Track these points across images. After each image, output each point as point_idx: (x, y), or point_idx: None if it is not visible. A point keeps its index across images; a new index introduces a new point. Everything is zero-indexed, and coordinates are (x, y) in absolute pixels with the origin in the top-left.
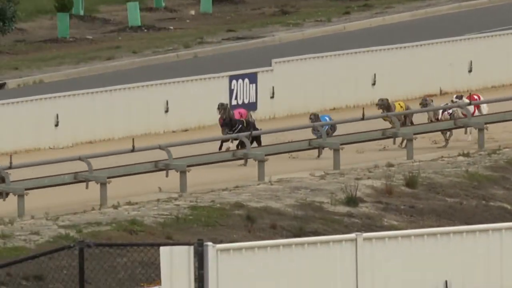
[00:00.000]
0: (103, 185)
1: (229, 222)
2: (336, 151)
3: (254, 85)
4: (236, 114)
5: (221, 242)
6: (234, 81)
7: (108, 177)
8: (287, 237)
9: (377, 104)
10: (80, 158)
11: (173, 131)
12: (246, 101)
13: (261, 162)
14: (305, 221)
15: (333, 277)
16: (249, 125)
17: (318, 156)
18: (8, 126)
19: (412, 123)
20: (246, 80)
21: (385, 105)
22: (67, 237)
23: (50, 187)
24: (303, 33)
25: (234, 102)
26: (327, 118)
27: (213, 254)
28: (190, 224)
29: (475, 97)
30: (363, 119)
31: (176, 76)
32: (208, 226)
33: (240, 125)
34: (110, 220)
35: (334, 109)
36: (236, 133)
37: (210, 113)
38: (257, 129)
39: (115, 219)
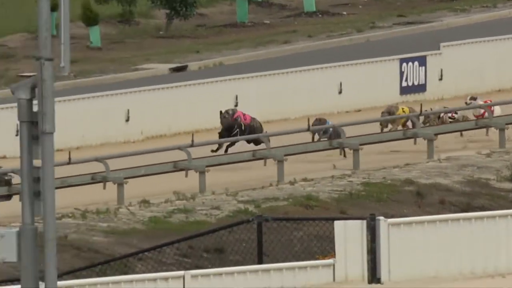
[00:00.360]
0: (280, 162)
1: (399, 197)
2: (502, 130)
3: (423, 67)
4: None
5: (392, 216)
6: (404, 64)
7: (285, 155)
8: (455, 212)
9: (382, 112)
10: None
11: (347, 112)
12: (416, 83)
13: (429, 141)
14: (472, 197)
15: (498, 250)
16: (246, 130)
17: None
18: (188, 107)
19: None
20: (416, 63)
21: (391, 112)
22: (246, 211)
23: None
24: (470, 18)
25: (404, 84)
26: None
27: (384, 227)
28: (363, 199)
29: (488, 101)
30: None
31: (349, 59)
32: (380, 201)
33: (237, 130)
34: (287, 195)
35: (499, 90)
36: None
37: (382, 94)
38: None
39: (291, 195)
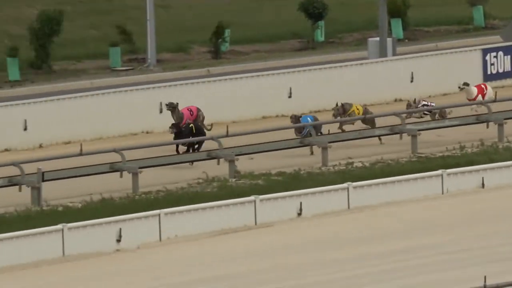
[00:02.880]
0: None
1: None
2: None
3: None
4: (186, 112)
5: None
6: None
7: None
8: None
9: (332, 109)
10: None
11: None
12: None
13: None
14: None
15: None
16: (198, 130)
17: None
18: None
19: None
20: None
21: (340, 111)
22: None
23: None
24: None
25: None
26: (309, 119)
27: None
28: None
29: (482, 86)
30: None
31: None
32: None
33: (188, 132)
34: None
35: None
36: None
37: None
38: (203, 133)
39: None
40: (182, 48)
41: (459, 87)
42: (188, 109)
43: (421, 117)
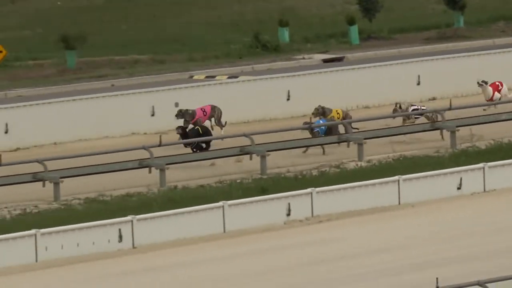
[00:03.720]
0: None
1: None
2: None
3: None
4: (199, 111)
5: None
6: None
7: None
8: None
9: (312, 113)
10: None
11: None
12: None
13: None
14: None
15: None
16: (206, 132)
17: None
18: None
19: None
20: None
21: (320, 112)
22: None
23: None
24: None
25: None
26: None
27: None
28: None
29: (497, 83)
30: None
31: None
32: None
33: (195, 134)
34: None
35: None
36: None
37: None
38: (210, 134)
39: None
40: None
41: (477, 83)
42: (201, 109)
43: (413, 122)
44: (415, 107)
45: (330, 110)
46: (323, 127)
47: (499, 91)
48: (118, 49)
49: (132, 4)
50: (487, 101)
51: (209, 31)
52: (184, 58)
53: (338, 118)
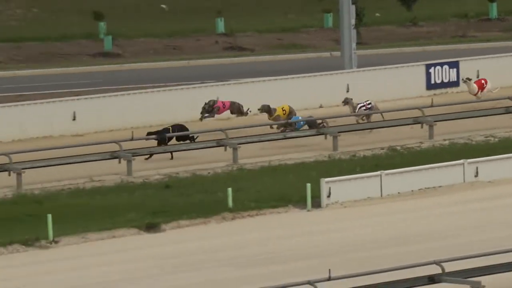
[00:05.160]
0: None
1: None
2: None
3: None
4: (220, 104)
5: None
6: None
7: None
8: None
9: (258, 109)
10: None
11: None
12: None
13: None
14: None
15: None
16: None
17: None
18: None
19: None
20: None
21: (265, 109)
22: None
23: None
24: None
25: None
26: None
27: None
28: None
29: (482, 81)
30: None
31: None
32: None
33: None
34: None
35: None
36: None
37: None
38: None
39: None
40: None
41: (462, 80)
42: (222, 102)
43: (362, 119)
44: (361, 104)
45: (275, 110)
46: (302, 122)
47: (483, 89)
48: None
49: None
50: (474, 95)
51: None
52: None
53: (284, 115)
